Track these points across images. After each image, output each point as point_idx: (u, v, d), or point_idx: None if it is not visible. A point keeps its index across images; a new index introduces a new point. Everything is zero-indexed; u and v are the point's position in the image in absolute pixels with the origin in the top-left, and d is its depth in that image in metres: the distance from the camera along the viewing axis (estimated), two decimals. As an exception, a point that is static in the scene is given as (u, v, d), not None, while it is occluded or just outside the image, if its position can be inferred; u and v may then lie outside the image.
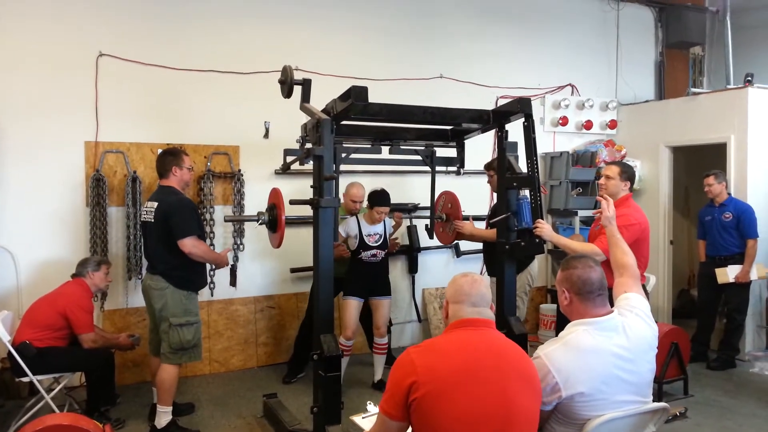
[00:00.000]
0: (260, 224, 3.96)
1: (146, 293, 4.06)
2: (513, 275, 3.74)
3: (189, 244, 3.84)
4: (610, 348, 2.20)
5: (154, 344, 4.13)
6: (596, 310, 2.29)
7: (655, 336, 2.36)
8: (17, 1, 4.67)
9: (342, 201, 5.00)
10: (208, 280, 4.28)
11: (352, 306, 4.71)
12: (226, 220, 4.28)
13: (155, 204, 3.93)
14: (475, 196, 6.27)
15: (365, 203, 4.88)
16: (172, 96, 5.16)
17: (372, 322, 5.00)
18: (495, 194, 4.87)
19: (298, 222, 5.49)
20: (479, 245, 5.61)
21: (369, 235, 4.70)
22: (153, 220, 3.91)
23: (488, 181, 4.89)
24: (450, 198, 4.83)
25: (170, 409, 3.98)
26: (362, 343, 5.66)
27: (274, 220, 3.89)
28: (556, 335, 2.38)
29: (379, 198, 4.66)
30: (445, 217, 4.84)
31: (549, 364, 2.13)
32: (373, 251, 4.72)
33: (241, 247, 5.36)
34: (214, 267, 4.37)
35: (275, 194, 3.95)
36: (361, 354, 5.67)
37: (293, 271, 5.60)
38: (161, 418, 3.95)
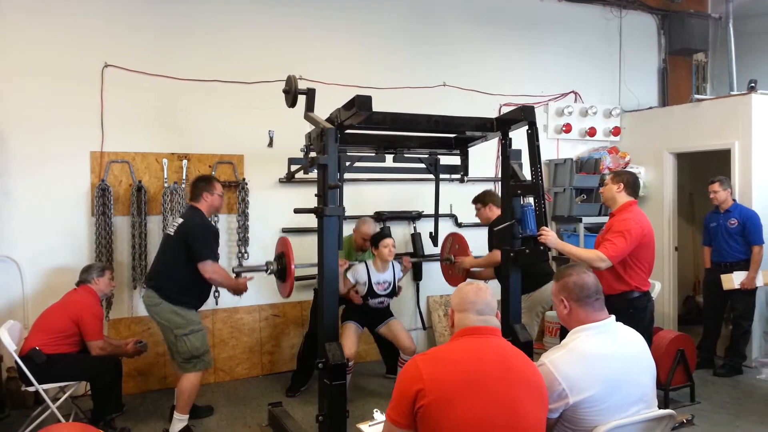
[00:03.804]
0: (269, 274, 3.99)
1: (149, 312, 4.17)
2: (518, 282, 3.73)
3: (209, 269, 3.96)
4: (613, 352, 2.22)
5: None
6: (595, 314, 2.31)
7: (644, 339, 2.40)
8: (22, 12, 4.72)
9: (352, 237, 5.02)
10: (204, 302, 4.26)
11: (351, 329, 4.67)
12: (234, 271, 4.27)
13: (180, 220, 4.09)
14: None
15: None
16: (177, 106, 5.19)
17: (387, 344, 4.99)
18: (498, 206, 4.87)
19: (302, 230, 5.51)
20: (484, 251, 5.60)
21: (378, 283, 4.65)
22: (173, 234, 4.05)
23: (476, 215, 4.93)
24: (457, 240, 4.86)
25: (186, 417, 4.05)
26: (366, 352, 5.66)
27: (283, 269, 3.90)
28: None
29: (380, 234, 4.67)
30: (453, 259, 4.84)
31: (554, 371, 2.14)
32: (381, 299, 4.70)
33: (245, 255, 5.37)
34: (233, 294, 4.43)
35: (283, 243, 3.95)
36: (366, 362, 5.66)
37: (297, 279, 5.59)
38: (176, 425, 4.01)
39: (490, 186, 6.39)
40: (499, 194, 4.35)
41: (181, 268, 3.98)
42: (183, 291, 4.01)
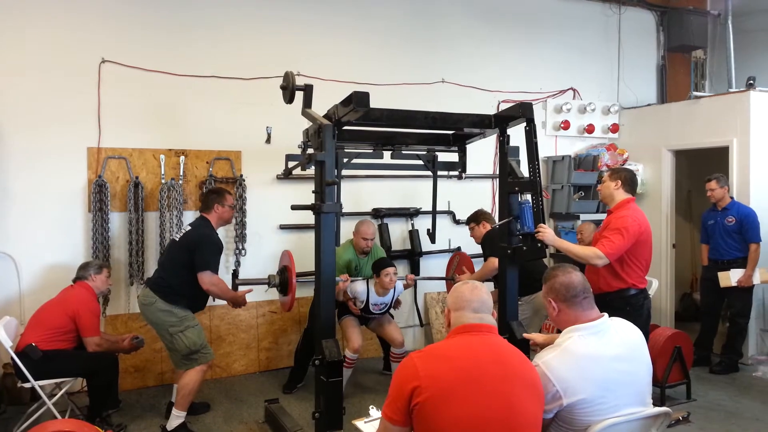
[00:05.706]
0: (271, 287, 3.99)
1: (142, 312, 4.17)
2: (515, 280, 3.72)
3: (207, 280, 4.01)
4: (607, 352, 2.21)
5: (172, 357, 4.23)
6: (585, 313, 2.30)
7: (641, 334, 2.39)
8: (20, 7, 4.69)
9: (353, 241, 5.01)
10: (198, 310, 4.27)
11: (351, 322, 4.73)
12: (236, 284, 4.26)
13: (188, 228, 4.16)
14: (476, 201, 6.26)
15: (377, 239, 4.97)
16: (174, 102, 5.17)
17: (383, 337, 5.04)
18: (497, 198, 4.88)
19: (300, 227, 5.50)
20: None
21: (375, 305, 4.70)
22: (178, 240, 4.11)
23: (471, 235, 5.02)
24: (463, 260, 4.86)
25: (184, 414, 4.05)
26: (364, 348, 5.62)
27: (284, 282, 3.89)
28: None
29: (381, 262, 4.68)
30: (456, 278, 4.86)
31: (548, 372, 2.13)
32: (375, 316, 4.81)
33: (242, 251, 5.37)
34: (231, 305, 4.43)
35: (287, 257, 3.94)
36: (363, 359, 5.66)
37: (296, 275, 5.59)
38: (173, 421, 4.01)
39: (488, 182, 6.42)
40: (497, 191, 4.35)
41: (181, 274, 4.02)
42: (179, 296, 4.04)
